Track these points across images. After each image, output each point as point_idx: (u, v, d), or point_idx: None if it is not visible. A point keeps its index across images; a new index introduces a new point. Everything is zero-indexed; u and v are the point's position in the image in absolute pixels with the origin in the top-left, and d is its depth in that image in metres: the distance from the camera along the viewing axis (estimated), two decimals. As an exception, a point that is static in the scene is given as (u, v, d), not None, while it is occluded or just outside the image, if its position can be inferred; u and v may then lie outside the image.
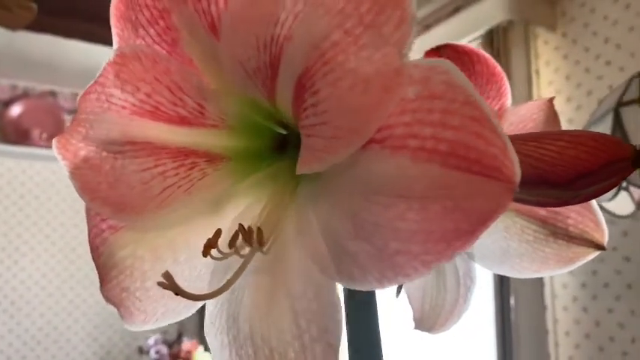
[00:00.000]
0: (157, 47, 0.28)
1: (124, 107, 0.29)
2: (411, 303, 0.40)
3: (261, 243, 0.26)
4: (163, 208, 0.29)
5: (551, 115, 0.42)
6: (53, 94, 3.10)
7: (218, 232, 0.27)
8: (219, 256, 0.27)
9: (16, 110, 2.94)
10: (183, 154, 0.29)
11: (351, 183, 0.23)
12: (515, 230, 0.40)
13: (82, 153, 0.30)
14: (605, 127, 0.93)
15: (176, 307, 0.31)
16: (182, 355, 2.30)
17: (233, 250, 0.27)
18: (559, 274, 1.67)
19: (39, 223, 2.96)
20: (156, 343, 2.45)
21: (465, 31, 1.87)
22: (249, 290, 0.28)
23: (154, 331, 2.88)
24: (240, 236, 0.26)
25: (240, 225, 0.27)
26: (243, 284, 0.28)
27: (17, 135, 2.88)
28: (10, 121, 2.91)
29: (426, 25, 2.28)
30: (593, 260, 1.46)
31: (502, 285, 1.72)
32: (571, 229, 0.39)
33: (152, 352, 2.43)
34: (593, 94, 1.63)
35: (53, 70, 2.91)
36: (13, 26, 1.73)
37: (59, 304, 2.94)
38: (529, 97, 1.77)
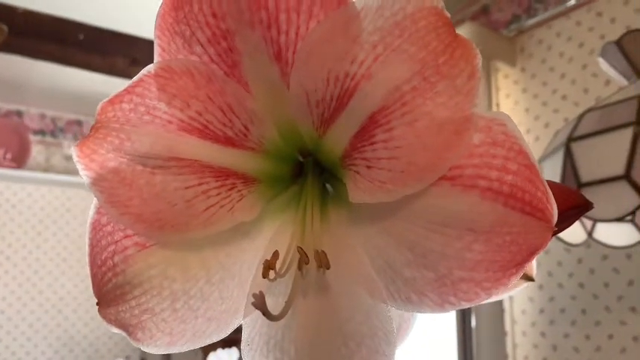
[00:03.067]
0: (213, 66, 0.28)
1: (170, 122, 0.28)
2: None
3: (327, 266, 0.27)
4: (207, 227, 0.29)
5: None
6: (19, 113, 3.06)
7: (276, 254, 0.28)
8: (274, 276, 0.27)
9: (-20, 129, 2.89)
10: (225, 174, 0.29)
11: (413, 214, 0.26)
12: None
13: (112, 165, 0.28)
14: (557, 160, 0.98)
15: (206, 329, 0.30)
16: (145, 380, 2.26)
17: (288, 271, 0.28)
18: (519, 302, 1.71)
19: (0, 244, 2.90)
20: (119, 368, 2.41)
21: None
22: (295, 313, 0.28)
23: (117, 355, 2.84)
24: (297, 257, 0.27)
25: (299, 247, 0.27)
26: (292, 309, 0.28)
27: (-20, 155, 2.83)
28: (-27, 141, 2.86)
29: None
30: (550, 287, 1.54)
31: (464, 312, 1.76)
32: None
33: (114, 378, 2.38)
34: (550, 126, 1.70)
35: (19, 89, 2.88)
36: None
37: (18, 328, 2.86)
38: (490, 128, 1.83)
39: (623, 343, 1.47)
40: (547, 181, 0.41)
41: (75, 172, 3.04)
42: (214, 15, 0.27)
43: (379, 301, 0.27)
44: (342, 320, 0.28)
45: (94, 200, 0.30)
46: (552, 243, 1.60)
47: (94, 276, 0.30)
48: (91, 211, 0.31)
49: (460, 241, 0.25)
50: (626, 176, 0.86)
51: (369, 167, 0.26)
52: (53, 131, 3.12)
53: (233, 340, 3.05)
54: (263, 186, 0.31)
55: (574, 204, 0.37)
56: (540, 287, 1.68)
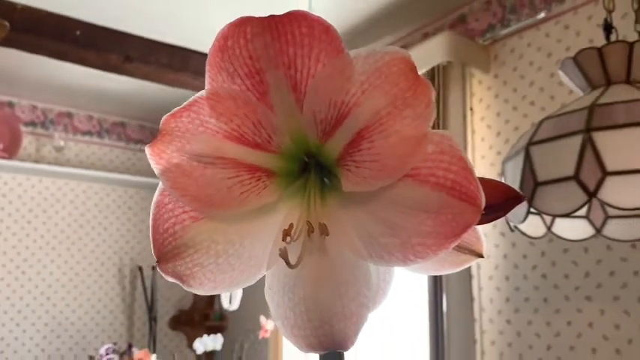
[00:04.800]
0: (249, 93, 0.38)
1: (217, 132, 0.39)
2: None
3: (326, 233, 0.39)
4: (242, 206, 0.40)
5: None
6: (10, 104, 3.12)
7: (291, 226, 0.39)
8: (290, 240, 0.39)
9: (-28, 120, 2.96)
10: (255, 169, 0.40)
11: (386, 199, 0.38)
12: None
13: (175, 161, 0.39)
14: (518, 161, 1.10)
15: (239, 277, 0.42)
16: (133, 364, 2.35)
17: (301, 237, 0.39)
18: (487, 292, 1.85)
19: (-10, 232, 2.97)
20: (107, 352, 2.49)
21: (410, 68, 2.06)
22: (305, 267, 0.39)
23: (104, 341, 2.92)
24: (307, 228, 0.39)
25: (307, 221, 0.39)
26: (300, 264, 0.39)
27: (-28, 144, 2.90)
28: (-35, 131, 2.92)
29: (376, 59, 2.47)
30: (516, 278, 1.71)
31: (436, 302, 1.89)
32: (462, 242, 0.55)
33: (103, 362, 2.47)
34: (519, 130, 1.84)
35: (11, 81, 2.94)
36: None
37: (7, 314, 2.94)
38: (464, 130, 1.97)
39: (579, 329, 1.61)
40: (490, 179, 0.53)
41: (65, 164, 3.12)
42: (251, 57, 0.38)
43: (361, 259, 0.39)
44: (336, 272, 0.40)
45: (159, 185, 0.41)
46: (518, 238, 1.74)
47: (155, 240, 0.41)
48: (156, 194, 0.42)
49: (417, 218, 0.37)
50: (575, 177, 0.99)
51: (357, 167, 0.38)
52: (44, 123, 3.19)
53: (218, 328, 3.16)
54: (280, 178, 0.42)
55: (509, 196, 0.50)
56: (507, 278, 1.82)
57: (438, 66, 1.99)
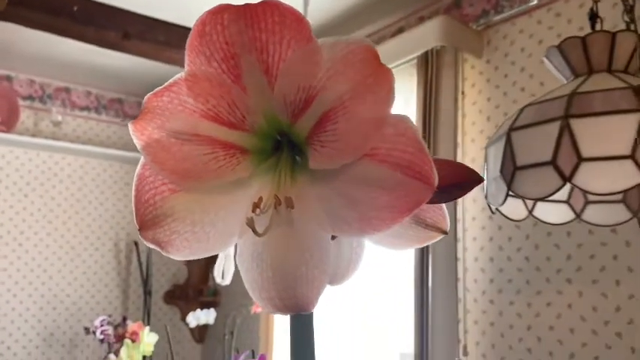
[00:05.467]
0: (224, 76, 0.41)
1: (194, 111, 0.42)
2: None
3: (292, 206, 0.42)
4: (217, 180, 0.44)
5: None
6: (8, 78, 3.14)
7: (260, 199, 0.43)
8: (259, 212, 0.42)
9: (-31, 93, 2.98)
10: (229, 146, 0.43)
11: (348, 176, 0.41)
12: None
13: (155, 137, 0.42)
14: (500, 146, 1.14)
15: (213, 245, 0.45)
16: (127, 335, 2.41)
17: (269, 209, 0.42)
18: (472, 273, 1.90)
19: (-12, 204, 3.01)
20: (102, 324, 2.55)
21: (405, 52, 2.09)
22: (271, 236, 0.43)
23: (99, 314, 2.98)
24: (274, 201, 0.42)
25: (276, 196, 0.42)
26: (268, 233, 0.43)
27: (-30, 117, 2.92)
28: (-37, 103, 2.95)
29: (379, 41, 2.49)
30: (500, 260, 1.76)
31: (422, 281, 1.94)
32: (428, 220, 0.59)
33: (98, 333, 2.53)
34: (508, 115, 1.87)
35: (10, 55, 2.96)
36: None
37: (4, 285, 2.99)
38: (455, 113, 2.00)
39: (559, 310, 1.67)
40: (451, 161, 0.57)
41: (62, 138, 3.15)
42: (226, 43, 0.42)
43: (324, 231, 0.43)
44: (301, 241, 0.43)
45: (141, 159, 0.45)
46: (505, 221, 1.78)
47: (137, 210, 0.44)
48: (138, 167, 0.45)
49: (375, 194, 0.41)
50: (552, 162, 1.02)
51: (322, 146, 0.41)
52: (42, 97, 3.21)
53: (211, 303, 3.22)
54: (253, 155, 0.45)
55: (469, 177, 0.53)
56: (491, 260, 1.86)
57: (432, 50, 2.01)
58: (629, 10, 1.40)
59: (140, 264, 3.26)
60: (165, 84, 0.44)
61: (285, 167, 0.46)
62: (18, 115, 3.05)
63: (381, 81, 0.40)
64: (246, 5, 0.42)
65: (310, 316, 0.51)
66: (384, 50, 2.18)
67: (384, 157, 0.41)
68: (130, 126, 0.43)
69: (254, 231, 0.42)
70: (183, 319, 3.46)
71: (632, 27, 1.42)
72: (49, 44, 2.76)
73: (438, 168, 0.52)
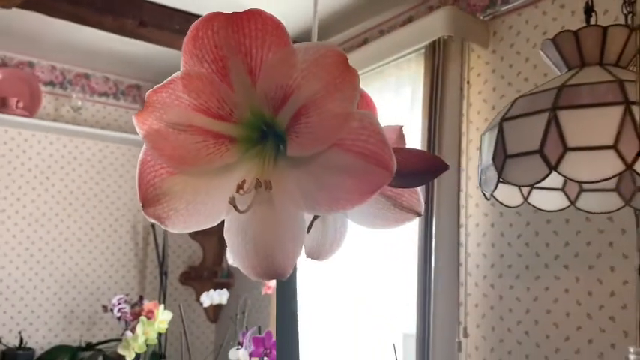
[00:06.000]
0: (214, 75, 0.48)
1: (188, 106, 0.48)
2: (305, 243, 0.65)
3: (270, 188, 0.49)
4: (208, 165, 0.51)
5: (401, 135, 0.67)
6: (30, 64, 3.24)
7: (244, 181, 0.49)
8: (242, 192, 0.49)
9: (-6, 78, 3.08)
10: (218, 136, 0.50)
11: (319, 163, 0.47)
12: (374, 201, 0.65)
13: (155, 127, 0.49)
14: (493, 135, 1.19)
15: (204, 220, 0.52)
16: (144, 313, 2.51)
17: (251, 190, 0.49)
18: (474, 258, 1.95)
19: (11, 186, 3.12)
20: (119, 302, 2.66)
21: (414, 41, 2.13)
22: (253, 213, 0.50)
23: (116, 293, 3.10)
24: (255, 183, 0.49)
25: (257, 179, 0.49)
26: (250, 210, 0.50)
27: (-6, 102, 3.03)
28: (-13, 88, 3.06)
29: (381, 31, 2.53)
30: (501, 245, 1.84)
31: (425, 266, 2.00)
32: (404, 203, 0.65)
33: (115, 310, 2.63)
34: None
35: (32, 42, 3.05)
36: (7, 6, 1.91)
37: (27, 263, 3.12)
38: (461, 102, 2.04)
39: (556, 294, 1.72)
40: (419, 150, 0.63)
41: (82, 123, 3.25)
42: (216, 46, 0.48)
43: (298, 209, 0.50)
44: (278, 218, 0.50)
45: (143, 146, 0.52)
46: (506, 208, 1.83)
47: (140, 189, 0.51)
48: (141, 153, 0.52)
49: (342, 178, 0.47)
50: (540, 151, 1.08)
51: (297, 137, 0.48)
52: (62, 83, 3.31)
53: (225, 284, 3.31)
54: (240, 144, 0.52)
55: (434, 164, 0.60)
56: (493, 245, 1.92)
57: (439, 39, 2.05)
58: (629, 2, 1.44)
59: (157, 246, 3.36)
60: (164, 82, 0.51)
61: (269, 154, 0.53)
62: (40, 100, 3.16)
63: (348, 81, 0.47)
64: (234, 14, 0.49)
65: (290, 285, 0.58)
66: (393, 39, 2.23)
67: (350, 147, 0.47)
68: (134, 118, 0.51)
69: (236, 208, 0.49)
70: (198, 299, 3.56)
71: (630, 19, 1.46)
72: (70, 32, 2.85)
73: (404, 156, 0.59)
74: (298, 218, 0.51)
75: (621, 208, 1.35)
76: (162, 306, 2.38)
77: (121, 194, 3.41)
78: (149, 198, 0.52)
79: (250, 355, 1.53)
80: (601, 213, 1.43)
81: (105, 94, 3.43)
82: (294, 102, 0.48)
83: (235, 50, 0.49)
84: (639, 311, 1.48)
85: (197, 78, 0.49)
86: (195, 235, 3.59)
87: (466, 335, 1.94)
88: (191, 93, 0.50)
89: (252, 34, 0.48)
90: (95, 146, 3.35)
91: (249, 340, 1.59)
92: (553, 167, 1.06)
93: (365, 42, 2.60)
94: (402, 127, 0.71)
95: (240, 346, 1.64)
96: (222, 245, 3.59)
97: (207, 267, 3.56)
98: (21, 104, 3.04)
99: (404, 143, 0.71)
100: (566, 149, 1.05)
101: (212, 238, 3.59)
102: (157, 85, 0.51)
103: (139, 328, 2.25)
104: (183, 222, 0.52)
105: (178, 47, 2.37)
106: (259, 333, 1.57)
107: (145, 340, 2.27)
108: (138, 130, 0.51)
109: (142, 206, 0.53)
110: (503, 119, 1.16)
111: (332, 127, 0.47)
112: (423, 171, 0.59)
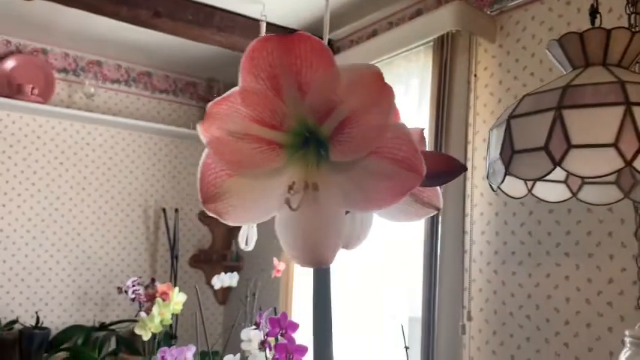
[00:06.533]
0: (268, 91, 0.55)
1: (245, 116, 0.55)
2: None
3: (317, 189, 0.57)
4: (261, 168, 0.58)
5: (422, 137, 0.75)
6: (44, 51, 3.30)
7: (294, 183, 0.57)
8: (293, 192, 0.57)
9: (9, 65, 3.14)
10: (270, 142, 0.57)
11: (359, 167, 0.55)
12: (399, 197, 0.73)
13: (217, 135, 0.56)
14: (501, 131, 1.26)
15: (258, 216, 0.61)
16: (158, 295, 2.60)
17: (300, 191, 0.57)
18: (479, 245, 2.03)
19: (26, 171, 3.20)
20: (133, 284, 2.75)
21: (423, 34, 2.19)
22: (302, 211, 0.57)
23: (129, 275, 3.19)
24: (304, 185, 0.57)
25: (305, 181, 0.57)
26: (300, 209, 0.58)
27: (10, 88, 3.09)
28: (3, 75, 3.12)
29: (390, 23, 2.59)
30: (505, 233, 1.94)
31: (431, 253, 2.08)
32: (425, 199, 0.73)
33: (130, 292, 2.73)
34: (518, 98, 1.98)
35: (46, 29, 3.11)
36: (30, -1, 1.97)
37: (42, 246, 3.21)
38: (468, 95, 2.11)
39: (556, 281, 1.80)
40: (442, 154, 0.72)
41: (95, 110, 3.32)
42: (270, 66, 0.56)
43: (339, 207, 0.58)
44: (322, 214, 0.58)
45: (205, 150, 0.59)
46: (509, 198, 1.90)
47: (202, 188, 0.59)
48: (202, 157, 0.60)
49: (378, 181, 0.55)
50: (545, 148, 1.15)
51: (340, 145, 0.56)
52: (75, 70, 3.37)
53: (234, 267, 3.40)
54: (287, 149, 0.60)
55: (455, 166, 0.68)
56: (497, 233, 2.00)
57: (448, 33, 2.12)
58: (633, 2, 1.50)
59: (168, 229, 3.45)
60: (224, 95, 0.58)
61: (311, 158, 0.61)
62: (54, 87, 3.22)
63: (384, 97, 0.54)
64: (286, 37, 0.57)
65: (328, 272, 0.66)
66: (402, 32, 2.30)
67: (386, 154, 0.55)
68: (198, 126, 0.58)
69: (289, 206, 0.57)
70: (208, 282, 3.66)
71: (634, 19, 1.52)
72: (83, 20, 2.90)
73: (430, 160, 0.67)
74: (340, 215, 0.59)
75: (620, 200, 1.43)
76: (177, 288, 2.47)
77: (132, 179, 3.49)
78: (210, 195, 0.60)
79: (267, 335, 1.62)
80: (601, 205, 1.50)
81: (117, 81, 3.49)
82: (338, 115, 0.56)
83: (287, 69, 0.56)
84: None
85: (254, 93, 0.57)
86: (204, 220, 3.68)
87: (470, 319, 2.02)
88: (248, 106, 0.57)
89: (302, 56, 0.56)
90: (107, 132, 3.42)
91: (266, 320, 1.68)
92: (557, 163, 1.13)
93: (374, 33, 2.66)
94: (422, 129, 0.79)
95: (256, 327, 1.73)
96: (230, 230, 3.67)
97: (217, 250, 3.65)
98: (36, 91, 3.11)
99: (424, 145, 0.78)
100: (570, 146, 1.12)
101: (221, 223, 3.66)
102: (217, 98, 0.58)
103: (155, 309, 2.35)
104: (240, 217, 0.61)
105: (191, 37, 2.44)
106: (275, 314, 1.66)
107: (161, 321, 2.36)
108: (201, 137, 0.59)
109: (203, 202, 0.61)
110: (511, 116, 1.23)
111: (371, 137, 0.55)
112: (445, 173, 0.67)
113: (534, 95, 1.25)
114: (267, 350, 1.64)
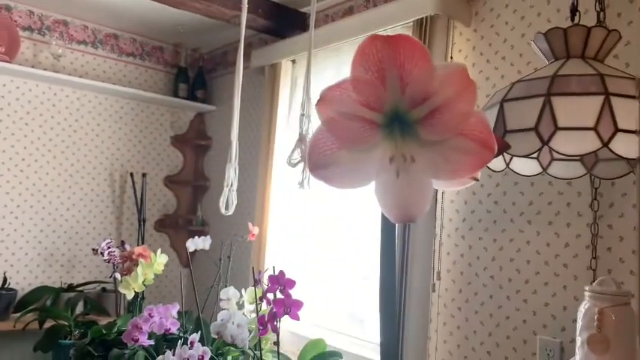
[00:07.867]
0: (375, 81, 0.69)
1: (356, 101, 0.70)
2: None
3: (414, 161, 0.71)
4: (364, 143, 0.72)
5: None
6: (7, 8, 3.20)
7: (393, 155, 0.71)
8: (393, 164, 0.71)
9: (-29, 20, 3.04)
10: (372, 122, 0.72)
11: (447, 144, 0.70)
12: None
13: (331, 115, 0.71)
14: (494, 112, 1.43)
15: (359, 182, 0.74)
16: (135, 257, 2.67)
17: (397, 162, 0.71)
18: (448, 213, 2.22)
19: (-10, 131, 3.13)
20: (108, 246, 2.80)
21: (402, 16, 2.33)
22: (400, 177, 0.71)
23: (95, 238, 3.22)
24: (402, 157, 0.71)
25: (403, 154, 0.71)
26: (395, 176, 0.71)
27: (-27, 45, 3.00)
28: (-35, 31, 3.01)
29: (371, 0, 2.71)
30: (473, 203, 2.20)
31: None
32: (471, 170, 0.89)
33: (105, 254, 2.78)
34: (490, 80, 2.17)
35: (11, -15, 3.02)
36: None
37: (7, 207, 3.17)
38: (443, 75, 2.28)
39: (519, 245, 2.03)
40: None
41: (61, 71, 3.27)
42: (379, 61, 0.69)
43: (428, 177, 0.72)
44: (415, 182, 0.73)
45: (317, 126, 0.72)
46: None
47: (312, 157, 0.73)
48: (315, 132, 0.73)
49: (461, 156, 0.70)
50: (535, 128, 1.33)
51: (431, 127, 0.70)
52: (40, 29, 3.30)
53: (199, 232, 3.49)
54: (381, 128, 0.74)
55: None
56: (465, 202, 2.21)
57: (427, 17, 2.27)
58: (600, 0, 1.70)
59: (135, 194, 3.48)
60: (337, 82, 0.72)
61: (399, 136, 0.75)
62: (19, 45, 3.15)
63: (471, 89, 0.69)
64: (392, 36, 0.70)
65: (394, 230, 0.81)
66: (382, 12, 2.43)
67: (468, 135, 0.70)
68: (316, 107, 0.71)
69: (396, 174, 0.71)
70: (172, 245, 3.73)
71: (602, 16, 1.73)
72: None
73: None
74: (429, 182, 0.73)
75: (584, 175, 1.65)
76: (159, 250, 2.56)
77: (99, 142, 3.48)
78: (320, 164, 0.74)
79: (266, 291, 1.76)
80: (567, 179, 1.72)
81: (83, 42, 3.44)
82: (431, 103, 0.70)
83: (392, 64, 0.70)
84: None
85: (363, 82, 0.71)
86: (169, 185, 3.72)
87: (439, 278, 2.24)
88: (358, 92, 0.71)
89: (405, 53, 0.70)
90: (73, 94, 3.38)
91: (266, 278, 1.82)
92: (545, 142, 1.32)
93: (350, 10, 2.78)
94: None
95: (256, 284, 1.86)
96: (195, 195, 3.74)
97: (182, 215, 3.72)
98: (2, 49, 3.03)
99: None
100: (557, 128, 1.31)
101: (186, 189, 3.74)
102: (331, 84, 0.72)
103: (139, 270, 2.43)
104: (345, 182, 0.75)
105: (171, 3, 2.48)
106: (273, 272, 1.79)
107: (143, 281, 2.45)
108: (319, 116, 0.72)
109: (312, 169, 0.74)
110: (504, 100, 1.41)
111: (458, 121, 0.70)
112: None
113: (525, 82, 1.43)
114: (266, 305, 1.78)
